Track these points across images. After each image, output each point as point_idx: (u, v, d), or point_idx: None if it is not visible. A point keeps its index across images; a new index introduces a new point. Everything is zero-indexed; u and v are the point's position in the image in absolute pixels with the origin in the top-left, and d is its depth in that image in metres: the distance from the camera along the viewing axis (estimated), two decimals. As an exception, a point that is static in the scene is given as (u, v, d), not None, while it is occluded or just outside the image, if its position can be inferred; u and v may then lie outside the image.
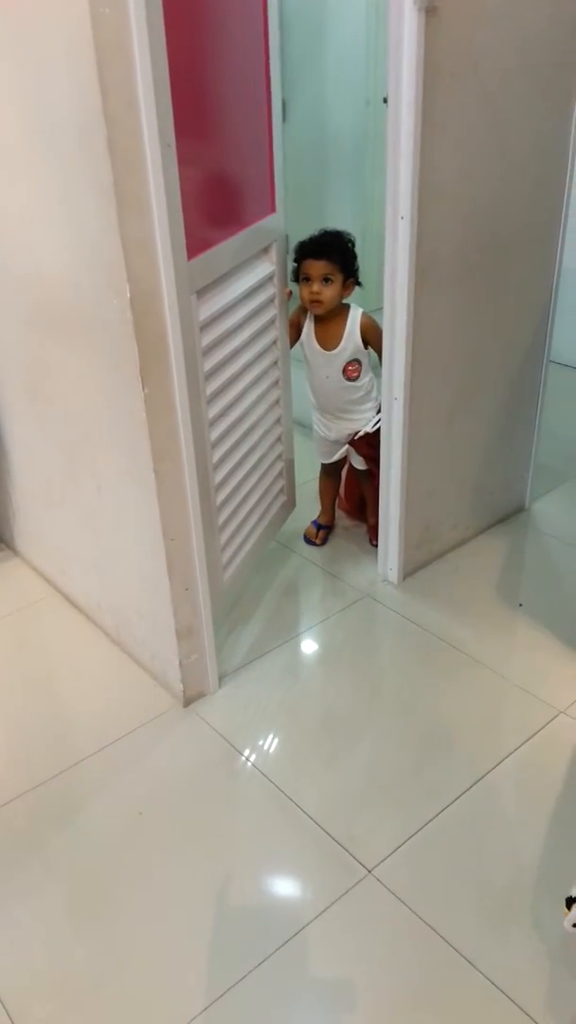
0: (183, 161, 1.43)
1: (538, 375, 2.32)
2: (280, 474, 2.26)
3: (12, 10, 1.35)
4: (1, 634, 2.14)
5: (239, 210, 1.82)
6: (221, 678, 1.93)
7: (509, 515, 2.49)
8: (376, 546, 2.28)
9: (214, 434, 1.80)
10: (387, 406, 2.03)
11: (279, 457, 2.22)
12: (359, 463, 2.29)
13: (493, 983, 1.33)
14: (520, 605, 2.15)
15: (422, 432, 2.07)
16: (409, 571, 2.25)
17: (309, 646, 2.06)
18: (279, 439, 2.19)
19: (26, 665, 2.05)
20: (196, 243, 1.56)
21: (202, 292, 1.65)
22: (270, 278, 1.98)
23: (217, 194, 1.72)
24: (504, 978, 1.33)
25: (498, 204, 1.95)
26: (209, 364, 1.73)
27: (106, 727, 1.82)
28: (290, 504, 2.38)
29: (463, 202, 1.87)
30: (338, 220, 2.23)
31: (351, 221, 2.66)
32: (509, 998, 1.31)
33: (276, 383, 2.10)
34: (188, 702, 1.87)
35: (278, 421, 2.16)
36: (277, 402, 2.13)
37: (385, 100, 1.71)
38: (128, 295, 1.41)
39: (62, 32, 1.27)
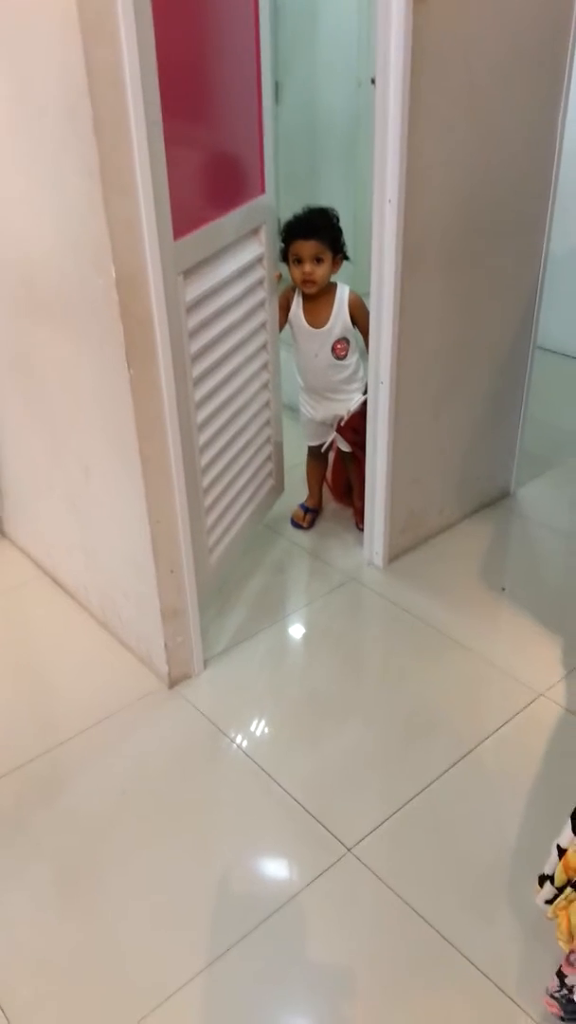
0: (170, 140, 1.42)
1: (525, 361, 2.33)
2: (268, 457, 2.26)
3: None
4: (-13, 615, 2.15)
5: (228, 190, 1.81)
6: (206, 660, 1.94)
7: (494, 500, 2.50)
8: (362, 530, 2.29)
9: (201, 416, 1.80)
10: (373, 390, 2.03)
11: (267, 440, 2.22)
12: (344, 445, 2.30)
13: (468, 959, 1.35)
14: (503, 589, 2.16)
15: (408, 417, 2.07)
16: (394, 555, 2.26)
17: (294, 629, 2.08)
18: (268, 422, 2.19)
19: (12, 646, 2.06)
20: (183, 223, 1.56)
21: (189, 272, 1.65)
22: (259, 259, 1.97)
23: (205, 173, 1.71)
24: (480, 955, 1.36)
25: (486, 190, 1.94)
26: (196, 346, 1.73)
27: (91, 708, 1.83)
28: (278, 487, 2.38)
29: (451, 187, 1.86)
30: (330, 201, 2.21)
31: (343, 202, 2.64)
32: (484, 974, 1.33)
33: (265, 366, 2.10)
34: (173, 684, 1.88)
35: (267, 404, 2.16)
36: (266, 385, 2.13)
37: (373, 81, 1.70)
38: (113, 275, 1.41)
39: (47, 11, 1.26)
